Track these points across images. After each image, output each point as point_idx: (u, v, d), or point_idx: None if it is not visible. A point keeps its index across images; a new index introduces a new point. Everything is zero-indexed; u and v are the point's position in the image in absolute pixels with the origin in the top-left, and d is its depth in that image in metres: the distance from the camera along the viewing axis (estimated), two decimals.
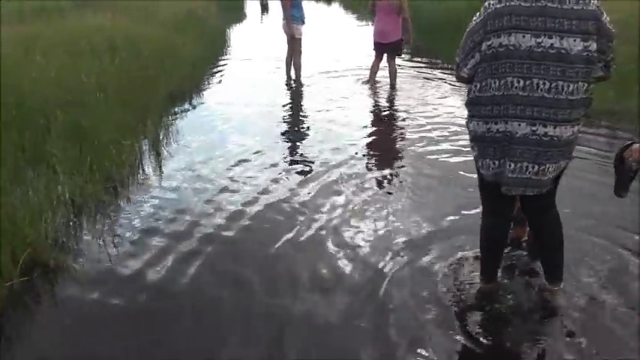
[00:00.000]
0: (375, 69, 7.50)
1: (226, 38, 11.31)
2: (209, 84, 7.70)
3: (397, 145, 5.29)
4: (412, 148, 5.01)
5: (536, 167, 2.25)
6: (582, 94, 2.18)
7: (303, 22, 7.61)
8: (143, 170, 4.45)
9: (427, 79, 8.02)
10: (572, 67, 2.13)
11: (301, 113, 6.46)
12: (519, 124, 2.21)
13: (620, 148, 2.39)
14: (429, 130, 5.49)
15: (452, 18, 9.77)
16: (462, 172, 4.15)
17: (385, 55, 7.35)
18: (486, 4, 2.23)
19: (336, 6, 20.90)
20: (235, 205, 3.81)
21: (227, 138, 5.35)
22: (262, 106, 6.53)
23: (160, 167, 4.54)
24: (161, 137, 5.11)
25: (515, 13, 2.14)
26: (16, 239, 2.90)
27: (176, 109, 6.29)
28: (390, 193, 4.00)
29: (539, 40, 2.13)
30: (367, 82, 7.55)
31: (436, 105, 6.54)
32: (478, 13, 2.25)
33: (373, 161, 4.78)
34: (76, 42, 6.60)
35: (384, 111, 6.60)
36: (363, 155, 4.88)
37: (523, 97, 2.18)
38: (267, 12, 20.92)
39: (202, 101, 6.83)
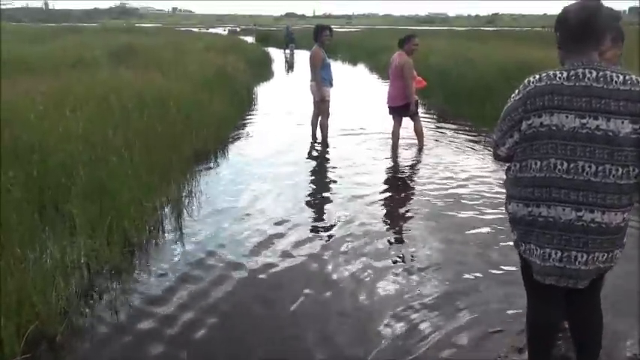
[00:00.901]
0: (395, 131, 7.44)
1: (253, 96, 11.38)
2: (234, 142, 7.62)
3: (422, 210, 5.08)
4: (442, 212, 4.89)
5: (585, 256, 2.06)
6: (633, 178, 2.01)
7: (331, 85, 7.60)
8: (163, 232, 4.30)
9: (453, 141, 7.91)
10: (620, 149, 1.98)
11: (326, 175, 6.31)
12: (563, 209, 2.05)
13: None
14: (454, 194, 5.41)
15: (481, 83, 9.71)
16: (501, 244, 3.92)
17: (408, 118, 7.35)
18: (526, 81, 2.12)
19: (361, 67, 21.22)
20: (256, 271, 3.66)
21: (250, 200, 5.22)
22: (287, 166, 6.43)
23: (181, 229, 4.39)
24: (183, 198, 4.97)
25: (558, 92, 2.02)
26: (23, 309, 2.70)
27: (200, 168, 6.20)
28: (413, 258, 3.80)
29: (583, 120, 2.00)
30: (392, 144, 7.51)
31: (461, 168, 6.42)
32: (517, 91, 2.14)
33: (397, 227, 4.65)
34: (106, 97, 6.62)
35: (410, 174, 6.43)
36: (388, 221, 4.76)
37: (567, 180, 2.03)
38: (292, 70, 21.42)
39: (226, 160, 6.75)
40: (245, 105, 10.19)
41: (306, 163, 6.71)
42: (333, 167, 6.59)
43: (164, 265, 3.76)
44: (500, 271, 3.64)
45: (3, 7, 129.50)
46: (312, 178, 6.19)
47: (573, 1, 2.09)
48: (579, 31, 2.05)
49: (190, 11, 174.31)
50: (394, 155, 7.20)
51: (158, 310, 3.17)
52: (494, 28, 58.23)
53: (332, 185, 5.85)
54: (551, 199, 2.06)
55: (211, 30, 53.76)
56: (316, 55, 7.42)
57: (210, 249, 4.03)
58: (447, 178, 6.01)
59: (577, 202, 2.03)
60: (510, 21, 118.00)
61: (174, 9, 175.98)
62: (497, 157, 2.29)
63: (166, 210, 4.67)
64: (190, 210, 4.82)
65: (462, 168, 6.43)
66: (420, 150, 7.29)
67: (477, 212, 4.86)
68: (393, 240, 4.30)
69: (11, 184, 3.86)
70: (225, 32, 50.43)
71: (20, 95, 6.43)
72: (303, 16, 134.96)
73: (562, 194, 2.04)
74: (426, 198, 5.38)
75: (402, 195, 5.62)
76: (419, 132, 7.40)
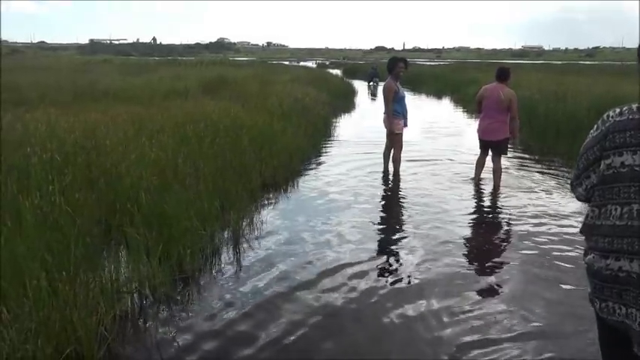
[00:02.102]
0: (480, 164, 7.20)
1: (330, 128, 11.39)
2: (305, 175, 7.55)
3: (495, 253, 4.77)
4: (513, 255, 4.54)
5: None
6: None
7: (405, 117, 7.40)
8: (219, 262, 4.26)
9: (535, 181, 7.37)
10: None
11: (396, 212, 6.07)
12: None
13: None
14: (528, 236, 5.06)
15: (571, 119, 9.05)
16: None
17: (490, 153, 7.03)
18: (605, 116, 1.85)
19: (446, 101, 20.75)
20: (312, 313, 3.48)
21: (313, 234, 5.06)
22: (356, 201, 6.24)
23: (238, 260, 4.33)
24: (244, 228, 4.92)
25: None
26: (63, 331, 2.72)
27: (265, 200, 6.16)
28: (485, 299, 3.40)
29: None
30: (472, 178, 7.22)
31: (540, 210, 5.95)
32: (595, 126, 1.88)
33: (473, 270, 4.37)
34: (183, 125, 6.87)
35: (486, 213, 6.03)
36: (463, 263, 4.46)
37: None
38: (375, 97, 21.42)
39: (294, 193, 6.65)
40: (321, 136, 10.18)
41: (377, 199, 6.49)
42: (406, 203, 6.34)
43: (215, 293, 3.70)
44: None
45: (115, 42, 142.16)
46: (383, 214, 5.95)
47: None
48: None
49: (284, 45, 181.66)
50: (473, 188, 6.94)
51: (202, 345, 3.08)
52: (594, 62, 55.12)
53: (404, 225, 5.58)
54: (634, 252, 1.73)
55: (302, 63, 55.46)
56: (389, 88, 7.28)
57: (265, 282, 3.92)
58: (522, 217, 5.63)
59: None
60: (612, 54, 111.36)
61: (269, 43, 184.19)
62: (578, 199, 2.03)
63: (225, 239, 4.64)
64: (250, 241, 4.77)
65: (537, 205, 5.95)
66: (497, 187, 6.89)
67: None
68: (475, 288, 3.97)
69: (78, 205, 4.01)
70: (315, 65, 51.78)
71: (106, 123, 6.83)
72: (392, 50, 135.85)
73: None
74: (502, 238, 5.01)
75: (488, 237, 5.27)
76: (498, 170, 6.98)
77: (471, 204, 6.36)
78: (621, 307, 1.79)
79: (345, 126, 12.49)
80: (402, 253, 4.68)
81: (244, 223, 5.01)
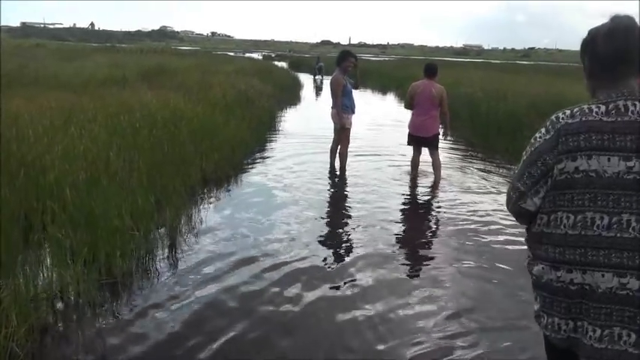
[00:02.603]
0: (416, 163, 7.22)
1: (275, 122, 11.14)
2: (247, 168, 7.31)
3: (438, 243, 4.82)
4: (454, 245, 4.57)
5: (634, 336, 1.62)
6: None
7: (353, 112, 7.28)
8: (152, 264, 3.97)
9: (478, 176, 7.50)
10: None
11: (340, 208, 5.94)
12: (603, 275, 1.63)
13: None
14: (470, 227, 5.17)
15: (511, 118, 9.25)
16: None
17: (425, 150, 7.09)
18: (554, 117, 1.72)
19: (391, 97, 20.93)
20: (246, 316, 3.27)
21: (255, 231, 4.85)
22: (300, 196, 6.08)
23: (174, 262, 4.06)
24: (181, 226, 4.64)
25: (596, 129, 1.63)
26: None
27: (206, 196, 5.88)
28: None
29: (630, 163, 1.60)
30: (410, 174, 7.25)
31: (480, 201, 6.12)
32: (544, 129, 1.73)
33: (413, 261, 4.38)
34: (117, 116, 6.45)
35: (428, 210, 6.05)
36: (404, 254, 4.51)
37: (608, 238, 1.62)
38: (320, 92, 21.32)
39: (237, 187, 6.41)
40: (265, 130, 9.92)
41: (321, 193, 6.35)
42: (350, 199, 6.24)
43: (146, 300, 3.42)
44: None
45: (50, 26, 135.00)
46: (327, 209, 5.81)
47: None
48: (613, 55, 1.67)
49: (229, 36, 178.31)
50: (413, 185, 6.93)
51: (131, 354, 2.82)
52: (529, 62, 57.48)
53: (347, 222, 5.46)
54: (587, 263, 1.65)
55: (247, 54, 54.55)
56: (337, 82, 7.13)
57: (200, 285, 3.68)
58: (462, 208, 5.75)
59: (621, 266, 1.61)
60: (546, 55, 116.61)
61: (214, 33, 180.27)
62: (519, 213, 1.80)
63: (160, 239, 4.34)
64: (187, 240, 4.49)
65: (482, 203, 5.99)
66: (437, 181, 6.97)
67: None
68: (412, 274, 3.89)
69: None
70: (260, 57, 51.12)
71: (31, 111, 6.32)
72: (338, 44, 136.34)
73: (601, 257, 1.63)
74: (444, 228, 4.99)
75: (430, 234, 5.27)
76: (438, 165, 7.07)
77: (413, 200, 6.38)
78: (568, 323, 1.71)
79: (290, 119, 12.28)
80: (342, 252, 4.57)
81: (182, 221, 4.73)
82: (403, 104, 7.47)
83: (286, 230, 4.94)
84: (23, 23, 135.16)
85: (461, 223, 5.39)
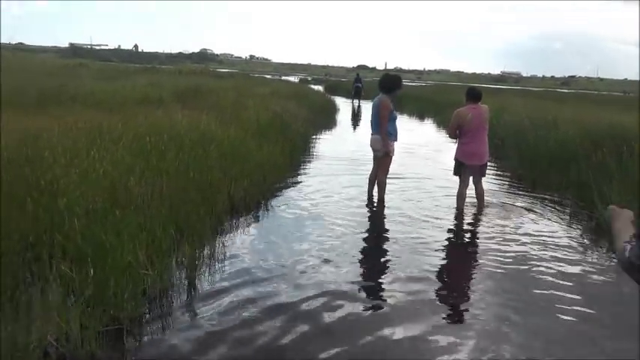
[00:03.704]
0: (464, 195, 6.67)
1: (309, 146, 10.70)
2: (279, 195, 6.86)
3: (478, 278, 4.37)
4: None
5: None
6: None
7: (396, 139, 6.78)
8: (167, 306, 3.52)
9: (527, 209, 6.92)
10: None
11: (379, 243, 5.41)
12: None
13: None
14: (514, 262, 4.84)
15: (563, 148, 8.55)
16: None
17: (471, 178, 6.64)
18: None
19: (429, 122, 20.33)
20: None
21: (282, 270, 4.36)
22: (335, 228, 5.58)
23: (191, 304, 3.60)
24: (202, 261, 4.20)
25: None
26: None
27: (233, 225, 5.45)
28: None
29: None
30: (457, 209, 6.68)
31: (524, 240, 5.58)
32: None
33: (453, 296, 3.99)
34: (144, 137, 6.12)
35: (470, 243, 5.61)
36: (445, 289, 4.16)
37: None
38: (359, 117, 20.86)
39: (266, 216, 5.96)
40: (299, 154, 9.50)
41: (359, 226, 5.82)
42: (390, 230, 5.73)
43: (153, 351, 2.96)
44: None
45: (97, 47, 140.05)
46: (363, 245, 5.28)
47: None
48: None
49: (267, 59, 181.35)
50: (459, 216, 6.43)
51: None
52: (570, 90, 55.86)
53: (385, 261, 4.93)
54: None
55: (284, 77, 54.92)
56: (386, 106, 6.59)
57: (220, 336, 3.20)
58: (507, 243, 5.15)
59: None
60: (587, 84, 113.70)
61: (252, 56, 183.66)
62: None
63: (177, 276, 3.90)
64: (208, 277, 4.05)
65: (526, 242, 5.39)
66: (480, 210, 6.57)
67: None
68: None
69: None
70: (297, 80, 51.31)
71: (57, 130, 6.05)
72: (374, 69, 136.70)
73: None
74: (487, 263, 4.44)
75: (469, 267, 4.69)
76: (482, 193, 6.71)
77: (456, 231, 5.94)
78: None
79: (325, 144, 11.81)
80: (382, 286, 4.13)
81: (204, 255, 4.29)
82: (447, 133, 6.94)
83: (315, 267, 4.46)
84: (71, 44, 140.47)
85: (505, 260, 4.89)
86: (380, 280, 4.37)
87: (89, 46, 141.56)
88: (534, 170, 8.65)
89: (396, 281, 4.30)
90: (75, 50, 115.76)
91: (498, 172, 9.35)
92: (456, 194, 6.70)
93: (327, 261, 4.60)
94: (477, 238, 5.74)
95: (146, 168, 5.05)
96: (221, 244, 4.74)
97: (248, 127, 8.80)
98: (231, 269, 4.25)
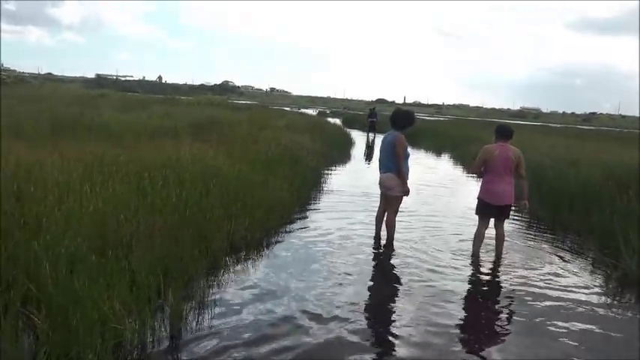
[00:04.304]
0: (482, 237, 6.30)
1: (320, 182, 10.38)
2: (282, 236, 6.50)
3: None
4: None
5: None
6: None
7: (407, 178, 6.45)
8: None
9: (543, 257, 6.48)
10: None
11: (388, 290, 5.04)
12: None
13: None
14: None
15: (585, 190, 8.13)
16: None
17: (492, 220, 6.27)
18: None
19: (445, 157, 19.98)
20: None
21: (279, 324, 3.98)
22: (338, 275, 5.21)
23: None
24: (188, 313, 3.85)
25: None
26: None
27: (230, 268, 5.10)
28: None
29: None
30: (473, 249, 6.33)
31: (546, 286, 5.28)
32: None
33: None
34: (145, 170, 5.91)
35: (486, 290, 5.26)
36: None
37: None
38: (372, 151, 20.62)
39: (266, 260, 5.55)
40: (309, 190, 9.21)
41: (364, 273, 5.45)
42: (399, 275, 5.37)
43: None
44: None
45: (122, 79, 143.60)
46: (368, 295, 4.91)
47: None
48: None
49: (287, 92, 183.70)
50: (475, 261, 6.05)
51: None
52: (592, 127, 55.10)
53: (392, 313, 4.55)
54: None
55: (302, 110, 55.29)
56: (402, 143, 6.27)
57: None
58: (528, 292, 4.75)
59: None
60: (608, 120, 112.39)
61: (272, 89, 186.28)
62: None
63: (158, 327, 3.58)
64: (194, 326, 3.72)
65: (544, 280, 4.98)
66: (500, 255, 6.19)
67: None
68: None
69: None
70: (315, 113, 51.58)
71: (52, 162, 5.88)
72: (393, 103, 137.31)
73: None
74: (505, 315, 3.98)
75: (484, 323, 4.26)
76: (502, 237, 6.31)
77: (472, 277, 5.58)
78: None
79: (337, 180, 11.48)
80: (390, 340, 3.73)
81: (193, 301, 3.96)
82: (473, 170, 6.60)
83: (318, 317, 4.11)
84: (98, 75, 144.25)
85: (521, 316, 4.50)
86: (387, 336, 3.99)
87: (114, 77, 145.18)
88: (555, 212, 8.21)
89: (405, 337, 3.92)
90: (100, 81, 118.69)
91: (517, 212, 8.92)
92: (473, 235, 6.36)
93: (328, 315, 4.21)
94: (494, 290, 5.33)
95: (141, 205, 4.80)
96: (213, 289, 4.43)
97: (256, 160, 8.58)
98: (221, 319, 3.91)
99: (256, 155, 8.92)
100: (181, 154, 7.16)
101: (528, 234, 7.64)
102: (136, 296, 3.49)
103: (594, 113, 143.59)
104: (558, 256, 6.46)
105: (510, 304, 4.87)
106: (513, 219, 8.41)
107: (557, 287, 5.25)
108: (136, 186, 5.38)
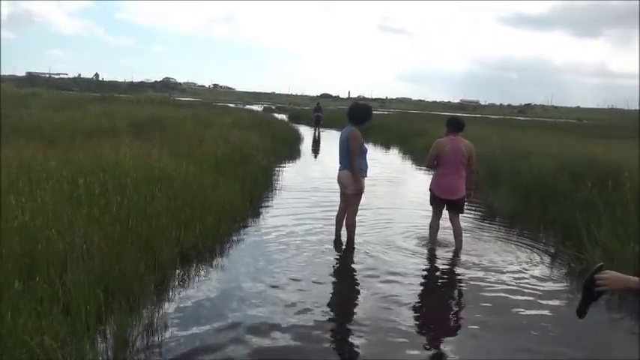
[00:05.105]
0: (436, 227, 6.28)
1: (272, 181, 9.94)
2: (235, 239, 6.09)
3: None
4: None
5: None
6: None
7: (365, 175, 6.17)
8: None
9: (506, 244, 6.56)
10: None
11: (349, 295, 4.74)
12: None
13: (591, 270, 2.02)
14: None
15: (540, 182, 8.13)
16: None
17: (447, 212, 6.24)
18: None
19: (395, 151, 19.98)
20: None
21: (235, 339, 3.60)
22: (295, 281, 4.86)
23: None
24: (133, 337, 3.38)
25: None
26: None
27: (177, 279, 4.65)
28: None
29: None
30: (428, 243, 6.27)
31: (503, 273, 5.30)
32: None
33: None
34: (81, 176, 5.30)
35: (450, 283, 5.24)
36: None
37: None
38: (319, 146, 20.41)
39: (218, 268, 5.10)
40: (261, 190, 8.78)
41: (325, 278, 5.12)
42: (360, 277, 5.09)
43: None
44: None
45: (55, 76, 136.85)
46: (328, 302, 4.58)
47: None
48: None
49: (230, 88, 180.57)
50: (431, 255, 5.99)
51: None
52: (527, 118, 57.19)
53: (353, 315, 4.25)
54: None
55: (247, 106, 54.37)
56: (357, 138, 5.96)
57: None
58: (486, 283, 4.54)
59: None
60: (542, 111, 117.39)
61: (215, 85, 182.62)
62: None
63: (101, 357, 3.10)
64: (141, 354, 3.26)
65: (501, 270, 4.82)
66: (459, 250, 6.11)
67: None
68: None
69: None
70: (261, 109, 50.85)
71: None
72: (337, 97, 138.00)
73: None
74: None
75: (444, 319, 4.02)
76: (460, 231, 6.23)
77: (431, 274, 5.47)
78: None
79: (289, 178, 11.10)
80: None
81: (137, 330, 3.47)
82: (425, 163, 6.54)
83: (274, 326, 3.75)
84: (29, 73, 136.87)
85: (483, 306, 4.28)
86: (350, 339, 3.69)
87: (48, 75, 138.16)
88: (510, 204, 8.17)
89: (368, 342, 3.63)
90: (32, 79, 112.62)
91: (472, 205, 8.86)
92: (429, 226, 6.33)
93: (286, 324, 3.88)
94: (454, 284, 5.24)
95: (75, 217, 4.25)
96: (163, 307, 3.96)
97: (204, 161, 8.07)
98: (172, 343, 3.46)
99: (203, 156, 8.39)
100: (120, 155, 6.54)
101: (485, 226, 7.56)
102: (72, 325, 3.00)
103: (529, 105, 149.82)
104: (518, 247, 6.38)
105: (470, 298, 4.74)
106: (469, 211, 8.35)
107: (521, 280, 5.13)
108: (70, 194, 4.79)
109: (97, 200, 4.67)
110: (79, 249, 3.77)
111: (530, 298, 4.69)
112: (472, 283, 5.09)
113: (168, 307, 4.01)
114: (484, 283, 5.04)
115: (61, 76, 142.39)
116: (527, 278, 5.22)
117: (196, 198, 6.00)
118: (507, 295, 4.72)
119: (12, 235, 3.68)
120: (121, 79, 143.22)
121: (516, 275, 5.29)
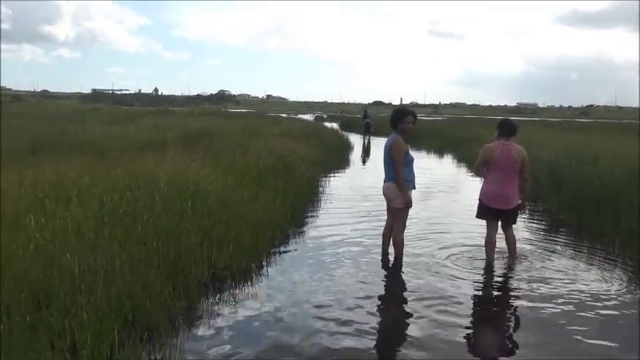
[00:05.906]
0: (492, 242, 5.68)
1: (317, 193, 9.46)
2: (273, 262, 5.58)
3: None
4: None
5: None
6: None
7: (414, 187, 5.64)
8: None
9: (572, 260, 5.87)
10: None
11: (398, 316, 4.23)
12: None
13: None
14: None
15: (610, 189, 7.31)
16: None
17: (499, 223, 5.67)
18: None
19: (448, 158, 19.15)
20: None
21: None
22: (340, 309, 4.35)
23: None
24: None
25: None
26: None
27: (210, 308, 4.24)
28: None
29: None
30: (487, 256, 5.68)
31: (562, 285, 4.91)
32: None
33: None
34: (115, 192, 5.08)
35: (505, 298, 4.51)
36: None
37: None
38: (368, 155, 19.88)
39: (252, 298, 4.56)
40: (305, 203, 8.36)
41: (372, 303, 4.61)
42: (409, 299, 4.58)
43: None
44: None
45: (117, 92, 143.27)
46: (378, 322, 4.09)
47: None
48: None
49: (283, 98, 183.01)
50: (488, 269, 5.46)
51: None
52: (590, 120, 54.20)
53: (405, 340, 3.74)
54: None
55: (299, 116, 54.57)
56: (400, 147, 5.43)
57: None
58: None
59: None
60: (605, 112, 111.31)
61: (269, 96, 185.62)
62: None
63: None
64: None
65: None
66: (513, 259, 5.67)
67: None
68: None
69: None
70: (312, 118, 50.87)
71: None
72: (389, 104, 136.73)
73: None
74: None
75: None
76: (513, 240, 5.75)
77: (487, 290, 4.97)
78: None
79: (336, 190, 10.58)
80: None
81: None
82: (474, 170, 6.10)
83: None
84: (94, 90, 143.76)
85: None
86: None
87: (110, 91, 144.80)
88: (578, 215, 7.38)
89: None
90: (96, 96, 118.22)
91: (535, 217, 8.11)
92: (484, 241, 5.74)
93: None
94: (512, 304, 4.62)
95: (96, 238, 3.98)
96: (188, 342, 3.59)
97: (246, 172, 7.77)
98: None
99: (246, 167, 8.09)
100: (156, 170, 6.31)
101: (550, 239, 6.81)
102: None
103: (591, 106, 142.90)
104: (589, 267, 5.63)
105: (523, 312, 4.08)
106: (530, 222, 7.65)
107: (592, 310, 4.42)
108: (95, 213, 4.55)
109: (120, 219, 4.39)
110: (96, 274, 3.47)
111: (606, 328, 4.01)
112: (539, 313, 4.43)
113: (194, 344, 3.61)
114: (548, 310, 4.37)
115: (123, 91, 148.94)
116: (599, 307, 4.50)
117: (232, 214, 5.65)
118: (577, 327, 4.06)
119: (26, 260, 3.43)
120: (178, 93, 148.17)
121: (588, 302, 4.58)
